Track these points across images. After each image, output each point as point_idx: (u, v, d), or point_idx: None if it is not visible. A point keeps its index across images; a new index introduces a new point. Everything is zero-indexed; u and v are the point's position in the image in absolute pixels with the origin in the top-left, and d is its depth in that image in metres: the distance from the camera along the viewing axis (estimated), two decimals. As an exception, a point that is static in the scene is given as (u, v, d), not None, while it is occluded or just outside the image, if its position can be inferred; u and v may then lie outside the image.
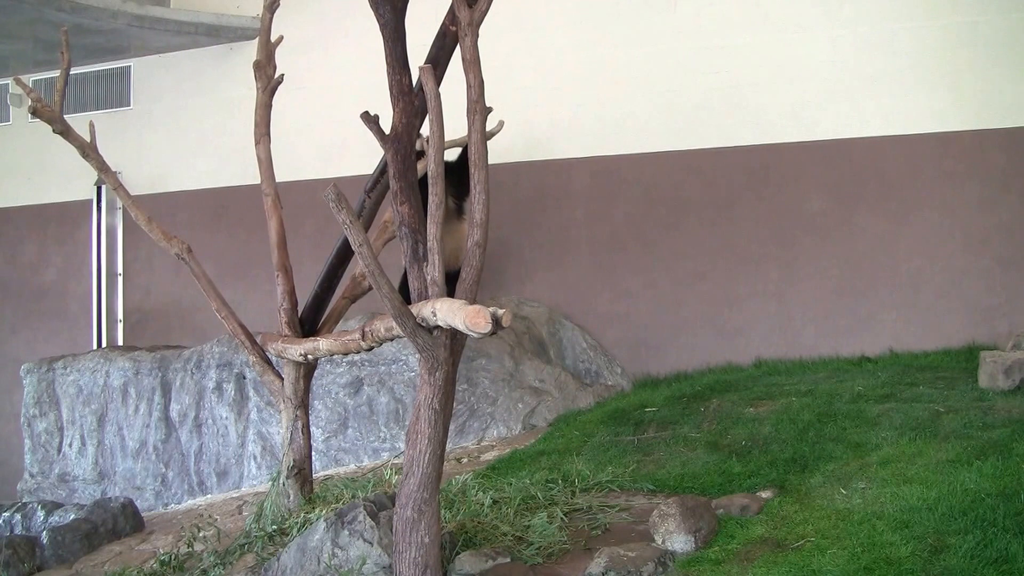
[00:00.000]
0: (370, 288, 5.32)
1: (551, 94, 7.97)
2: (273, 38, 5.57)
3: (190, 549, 5.08)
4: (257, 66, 5.54)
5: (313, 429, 6.36)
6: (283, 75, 5.55)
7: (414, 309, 3.48)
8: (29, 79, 10.01)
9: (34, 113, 5.45)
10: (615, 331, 7.71)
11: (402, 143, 3.73)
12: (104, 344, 9.70)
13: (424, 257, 3.63)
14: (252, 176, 5.53)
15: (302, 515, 4.82)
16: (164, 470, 8.01)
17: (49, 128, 5.54)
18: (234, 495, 6.96)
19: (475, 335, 3.14)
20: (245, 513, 5.88)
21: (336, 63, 8.78)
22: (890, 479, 4.10)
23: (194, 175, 9.57)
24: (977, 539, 3.39)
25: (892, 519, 3.69)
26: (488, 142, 3.80)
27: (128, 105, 9.98)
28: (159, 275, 9.61)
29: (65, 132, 5.51)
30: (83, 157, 5.60)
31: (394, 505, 3.86)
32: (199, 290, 5.53)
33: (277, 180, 5.54)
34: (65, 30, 5.69)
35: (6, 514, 6.44)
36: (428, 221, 3.58)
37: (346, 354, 4.92)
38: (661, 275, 7.63)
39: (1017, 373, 5.15)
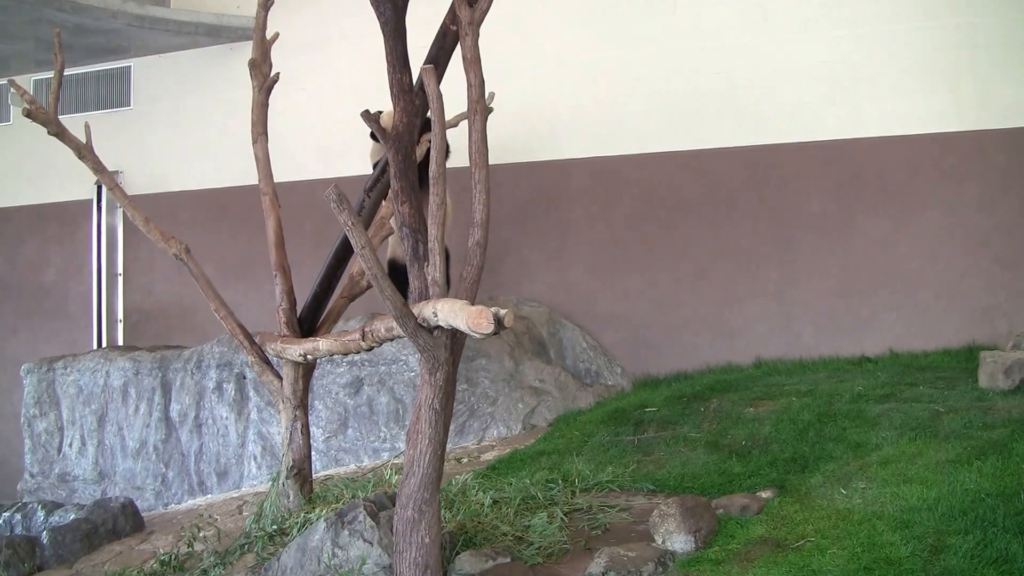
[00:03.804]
0: (368, 287, 5.32)
1: (551, 94, 7.96)
2: (268, 35, 5.54)
3: (190, 549, 5.08)
4: (252, 64, 5.49)
5: (313, 429, 6.36)
6: (279, 74, 5.49)
7: (415, 309, 3.46)
8: (29, 79, 10.02)
9: (28, 115, 5.37)
10: (615, 331, 7.70)
11: (403, 142, 3.73)
12: (104, 344, 9.69)
13: (424, 257, 3.63)
14: (253, 176, 5.51)
15: (302, 515, 4.82)
16: (164, 470, 8.01)
17: (49, 128, 5.52)
18: (234, 495, 6.95)
19: (477, 336, 3.13)
20: (245, 513, 5.87)
21: (336, 64, 8.77)
22: (890, 479, 4.09)
23: (195, 175, 9.57)
24: (977, 539, 3.39)
25: (892, 519, 3.69)
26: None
27: (128, 105, 9.97)
28: (159, 275, 9.61)
29: (60, 134, 5.43)
30: (79, 158, 5.55)
31: (394, 505, 3.85)
32: (199, 290, 5.51)
33: (277, 180, 5.51)
34: (58, 32, 5.65)
35: (6, 514, 6.43)
36: (428, 221, 3.57)
37: (346, 354, 4.90)
38: (661, 275, 7.63)
39: (1017, 373, 5.15)
